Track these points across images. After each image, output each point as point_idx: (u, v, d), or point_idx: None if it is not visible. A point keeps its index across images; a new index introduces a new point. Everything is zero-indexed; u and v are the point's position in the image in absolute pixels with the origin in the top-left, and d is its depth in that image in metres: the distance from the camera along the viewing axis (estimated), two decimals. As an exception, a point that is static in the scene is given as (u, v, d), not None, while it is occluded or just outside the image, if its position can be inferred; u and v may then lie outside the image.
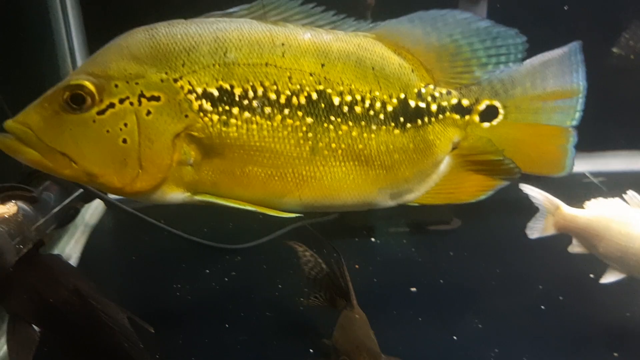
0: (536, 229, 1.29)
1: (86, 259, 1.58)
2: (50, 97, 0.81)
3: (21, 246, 0.99)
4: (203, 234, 1.55)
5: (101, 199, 1.34)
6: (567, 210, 1.24)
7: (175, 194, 0.87)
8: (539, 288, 1.35)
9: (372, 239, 1.60)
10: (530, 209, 1.68)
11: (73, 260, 1.56)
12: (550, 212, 1.27)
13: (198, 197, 0.87)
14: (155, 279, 1.47)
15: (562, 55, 0.96)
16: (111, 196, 1.47)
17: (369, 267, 1.47)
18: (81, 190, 1.26)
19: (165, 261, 1.54)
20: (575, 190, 1.77)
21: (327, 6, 0.93)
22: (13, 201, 1.04)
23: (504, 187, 1.62)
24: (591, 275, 1.35)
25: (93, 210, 1.81)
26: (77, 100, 0.80)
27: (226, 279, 1.43)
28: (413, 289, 1.35)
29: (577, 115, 0.97)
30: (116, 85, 0.80)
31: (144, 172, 0.82)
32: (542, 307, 1.28)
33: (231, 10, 0.86)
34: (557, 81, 0.96)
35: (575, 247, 1.25)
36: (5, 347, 1.08)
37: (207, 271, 1.47)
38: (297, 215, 0.90)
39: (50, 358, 1.07)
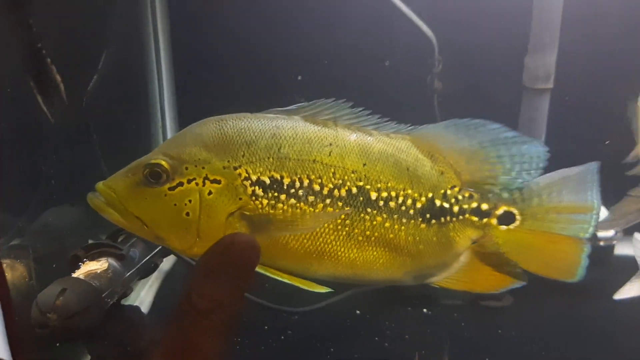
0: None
1: (158, 304, 1.73)
2: (134, 169, 0.94)
3: (108, 300, 1.13)
4: (265, 290, 1.66)
5: (177, 256, 1.47)
6: None
7: None
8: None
9: (424, 310, 1.67)
10: (583, 294, 1.72)
11: (146, 304, 1.71)
12: None
13: None
14: (218, 330, 1.59)
15: (579, 173, 1.02)
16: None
17: (418, 337, 1.54)
18: (160, 247, 1.40)
19: (228, 313, 1.66)
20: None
21: (396, 91, 1.04)
22: (105, 258, 1.19)
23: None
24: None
25: (167, 259, 1.96)
26: (154, 176, 0.92)
27: (282, 337, 1.54)
28: (459, 365, 1.41)
29: (591, 229, 1.02)
30: (187, 168, 0.93)
31: (200, 241, 0.94)
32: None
33: (290, 108, 0.98)
34: (572, 197, 1.02)
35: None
36: (85, 386, 1.22)
37: (266, 327, 1.58)
38: (329, 290, 0.96)
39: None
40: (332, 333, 1.56)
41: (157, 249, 1.39)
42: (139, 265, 1.29)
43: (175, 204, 0.93)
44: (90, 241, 1.27)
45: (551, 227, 1.02)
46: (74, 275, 1.13)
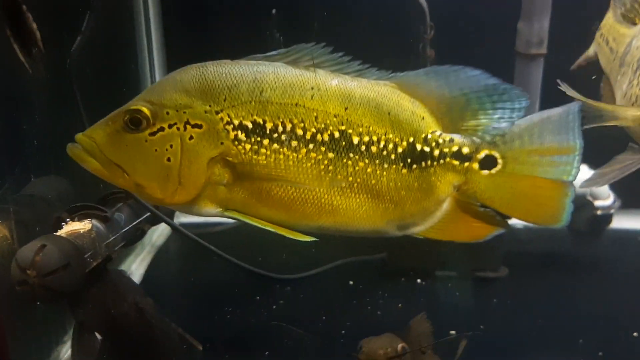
0: None
1: (149, 277, 1.71)
2: (114, 117, 0.94)
3: (91, 260, 1.11)
4: (257, 263, 1.64)
5: (166, 222, 1.45)
6: None
7: (209, 209, 0.98)
8: (579, 342, 1.35)
9: (418, 281, 1.64)
10: (578, 265, 1.70)
11: (137, 277, 1.69)
12: None
13: (228, 213, 0.98)
14: (209, 301, 1.57)
15: (561, 114, 1.01)
16: (175, 221, 1.60)
17: (412, 307, 1.52)
18: (148, 213, 1.38)
19: (220, 285, 1.64)
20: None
21: (390, 56, 1.03)
22: (89, 219, 1.17)
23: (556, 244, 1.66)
24: (635, 334, 1.36)
25: (160, 233, 1.95)
26: (135, 122, 0.92)
27: (274, 307, 1.52)
28: (452, 332, 1.38)
29: (574, 171, 1.00)
30: (167, 113, 0.93)
31: (182, 188, 0.94)
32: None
33: (270, 54, 0.97)
34: (554, 138, 1.00)
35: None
36: (69, 351, 1.20)
37: (258, 298, 1.56)
38: (313, 239, 0.97)
39: (109, 364, 1.17)
40: (324, 303, 1.54)
41: (145, 215, 1.37)
42: (124, 230, 1.27)
43: (156, 150, 0.92)
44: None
45: (534, 171, 1.01)
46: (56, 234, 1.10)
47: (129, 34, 1.86)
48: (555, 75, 1.68)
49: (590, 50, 1.63)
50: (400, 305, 1.52)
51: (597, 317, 1.45)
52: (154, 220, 1.44)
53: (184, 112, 0.93)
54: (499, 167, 1.01)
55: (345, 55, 0.99)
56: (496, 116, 1.00)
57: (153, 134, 0.92)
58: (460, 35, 1.76)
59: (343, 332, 1.40)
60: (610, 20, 1.51)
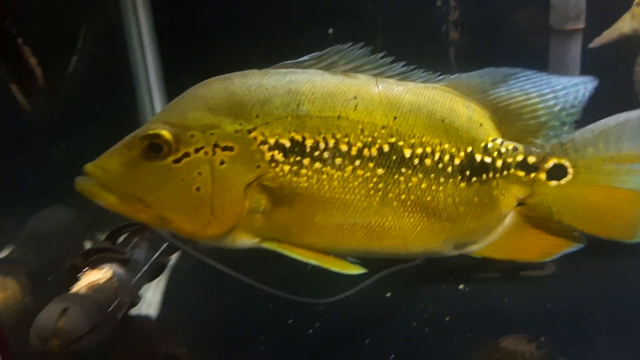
0: None
1: (167, 304, 1.56)
2: (129, 143, 0.83)
3: (117, 313, 0.98)
4: (281, 277, 1.50)
5: (187, 251, 1.31)
6: None
7: (245, 240, 0.88)
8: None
9: (461, 286, 1.52)
10: (629, 256, 1.58)
11: (155, 306, 1.55)
12: None
13: (266, 244, 0.89)
14: (238, 328, 1.44)
15: None
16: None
17: (460, 318, 1.40)
18: (167, 243, 1.24)
19: (246, 308, 1.50)
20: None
21: (412, 43, 0.92)
22: (108, 265, 1.03)
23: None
24: None
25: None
26: (155, 148, 0.82)
27: (310, 331, 1.39)
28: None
29: None
30: (192, 135, 0.82)
31: (216, 219, 0.84)
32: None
33: (302, 59, 0.87)
34: (633, 143, 0.92)
35: None
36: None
37: (290, 321, 1.43)
38: (363, 271, 0.90)
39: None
40: (365, 322, 1.42)
41: (164, 246, 1.23)
42: (146, 267, 1.14)
43: (182, 179, 0.82)
44: (88, 245, 1.11)
45: (609, 180, 0.93)
46: (74, 289, 0.97)
47: (122, 54, 1.71)
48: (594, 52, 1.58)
49: (626, 26, 1.51)
50: (447, 318, 1.40)
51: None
52: (173, 249, 1.31)
53: (211, 134, 0.82)
54: (569, 177, 0.93)
55: (386, 57, 0.89)
56: (563, 120, 0.91)
57: (177, 160, 0.82)
58: (486, 14, 1.62)
59: (392, 356, 1.28)
60: None
